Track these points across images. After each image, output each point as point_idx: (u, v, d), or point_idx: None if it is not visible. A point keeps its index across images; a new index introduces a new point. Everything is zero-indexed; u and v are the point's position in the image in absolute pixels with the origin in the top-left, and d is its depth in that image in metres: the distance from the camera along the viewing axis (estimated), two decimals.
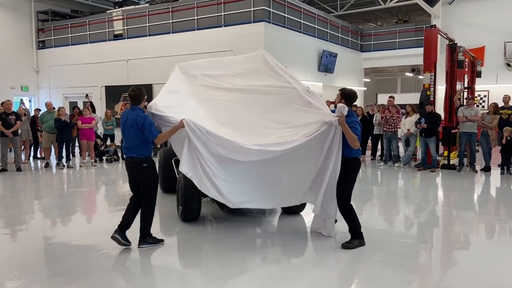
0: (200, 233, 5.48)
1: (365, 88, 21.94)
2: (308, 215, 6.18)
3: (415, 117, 10.34)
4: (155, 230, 5.62)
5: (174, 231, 5.65)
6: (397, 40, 20.20)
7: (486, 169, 9.96)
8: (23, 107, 14.19)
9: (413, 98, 14.13)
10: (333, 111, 4.85)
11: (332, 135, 4.68)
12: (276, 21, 14.25)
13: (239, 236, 5.33)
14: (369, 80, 25.55)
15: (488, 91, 18.22)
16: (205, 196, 5.82)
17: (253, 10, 13.63)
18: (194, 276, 4.24)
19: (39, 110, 13.50)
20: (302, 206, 6.08)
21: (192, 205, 5.53)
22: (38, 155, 13.36)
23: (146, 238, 4.82)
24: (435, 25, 11.64)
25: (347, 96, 4.79)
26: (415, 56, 17.86)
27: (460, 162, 10.16)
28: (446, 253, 5.00)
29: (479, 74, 15.24)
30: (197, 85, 6.15)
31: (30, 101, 19.35)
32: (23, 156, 12.05)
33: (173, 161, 7.10)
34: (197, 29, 14.61)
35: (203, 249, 5.02)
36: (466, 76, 13.79)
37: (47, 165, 11.36)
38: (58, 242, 5.25)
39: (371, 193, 8.33)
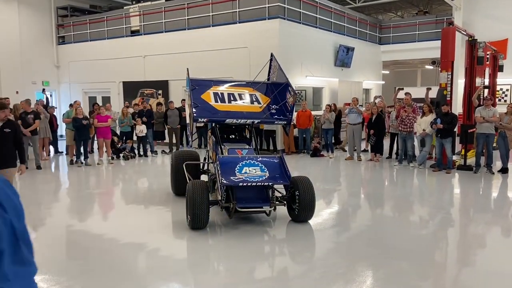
0: (208, 241, 5.58)
1: (383, 82, 21.60)
2: (316, 223, 6.22)
3: (431, 116, 10.17)
4: (165, 236, 5.77)
5: (184, 237, 5.75)
6: (417, 32, 19.75)
7: (504, 170, 9.76)
8: (44, 97, 14.16)
9: (433, 91, 13.67)
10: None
11: None
12: (292, 17, 14.12)
13: (248, 244, 5.40)
14: (388, 72, 25.13)
15: (510, 85, 17.75)
16: (214, 204, 5.93)
17: (268, 7, 13.54)
18: (202, 284, 4.34)
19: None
20: (310, 215, 6.10)
21: (200, 215, 5.61)
22: (60, 150, 13.67)
23: None
24: (453, 22, 11.34)
25: None
26: (435, 48, 17.28)
27: (477, 163, 9.97)
28: (462, 259, 4.97)
29: (501, 68, 14.86)
30: None
31: (51, 95, 19.77)
32: (44, 154, 12.39)
33: (184, 166, 7.19)
34: (212, 26, 14.61)
35: (211, 257, 5.12)
36: (488, 69, 13.44)
37: (72, 162, 11.61)
38: (80, 238, 5.43)
39: (385, 194, 8.28)
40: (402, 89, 13.62)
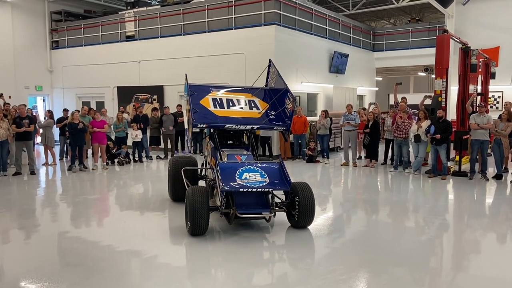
0: (207, 247, 5.55)
1: (377, 88, 21.76)
2: (315, 229, 6.23)
3: (426, 123, 10.24)
4: (163, 242, 5.74)
5: (182, 244, 5.72)
6: (410, 39, 19.97)
7: (498, 177, 9.85)
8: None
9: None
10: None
11: None
12: (287, 24, 14.19)
13: (247, 250, 5.39)
14: (381, 78, 25.31)
15: (502, 92, 17.97)
16: (214, 210, 5.91)
17: (264, 13, 13.59)
18: None
19: (67, 110, 13.37)
20: (310, 221, 6.10)
21: (200, 221, 5.58)
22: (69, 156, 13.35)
23: None
24: (447, 30, 11.48)
25: None
26: (428, 56, 17.62)
27: (472, 170, 10.06)
28: (458, 265, 5.00)
29: (493, 76, 15.03)
30: None
31: (44, 100, 19.63)
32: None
33: (182, 171, 7.17)
34: (208, 31, 14.63)
35: (211, 262, 5.09)
36: (480, 76, 13.60)
37: (70, 168, 11.49)
38: (74, 243, 5.37)
39: (381, 200, 8.31)
40: (401, 83, 13.73)
